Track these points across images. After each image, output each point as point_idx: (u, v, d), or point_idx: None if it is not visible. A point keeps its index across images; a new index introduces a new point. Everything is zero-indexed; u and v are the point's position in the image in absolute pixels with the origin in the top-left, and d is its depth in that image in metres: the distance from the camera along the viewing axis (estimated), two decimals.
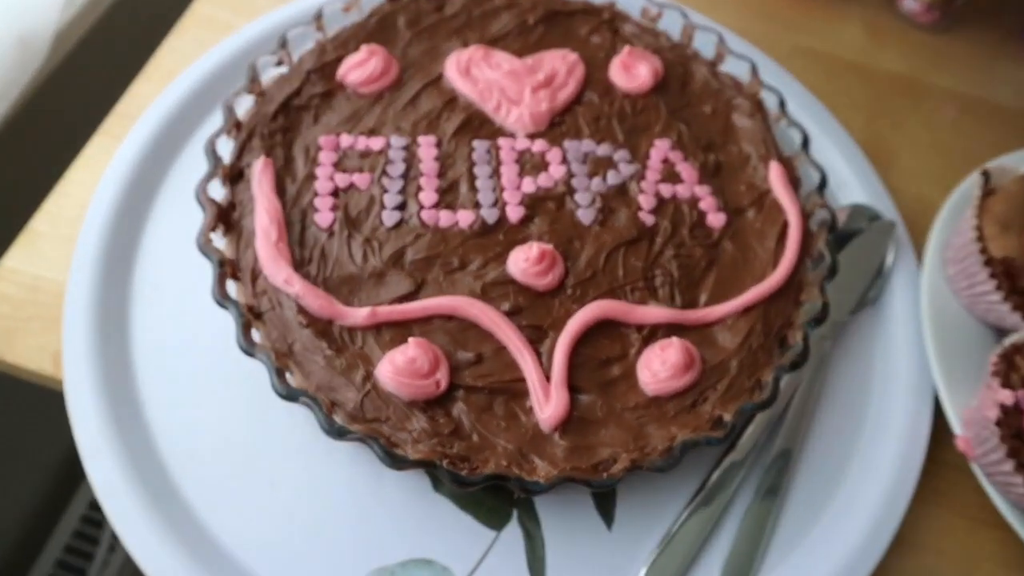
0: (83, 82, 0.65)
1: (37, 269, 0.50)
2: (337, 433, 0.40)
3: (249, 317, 0.43)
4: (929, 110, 0.69)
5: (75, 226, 0.51)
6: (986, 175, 0.54)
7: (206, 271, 0.44)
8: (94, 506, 0.85)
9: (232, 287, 0.44)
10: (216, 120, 0.52)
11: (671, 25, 0.61)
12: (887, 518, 0.47)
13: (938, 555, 0.49)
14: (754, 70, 0.58)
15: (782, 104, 0.56)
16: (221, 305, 0.43)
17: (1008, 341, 0.47)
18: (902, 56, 0.72)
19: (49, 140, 0.61)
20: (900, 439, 0.50)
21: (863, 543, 0.46)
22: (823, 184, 0.53)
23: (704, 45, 0.60)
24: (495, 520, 0.45)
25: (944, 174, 0.63)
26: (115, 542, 0.83)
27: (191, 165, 0.54)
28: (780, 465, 0.48)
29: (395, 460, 0.39)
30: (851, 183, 0.61)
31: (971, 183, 0.55)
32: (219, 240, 0.46)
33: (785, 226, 0.51)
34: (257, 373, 0.42)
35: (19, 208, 0.53)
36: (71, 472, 0.81)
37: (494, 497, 0.45)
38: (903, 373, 0.53)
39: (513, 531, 0.45)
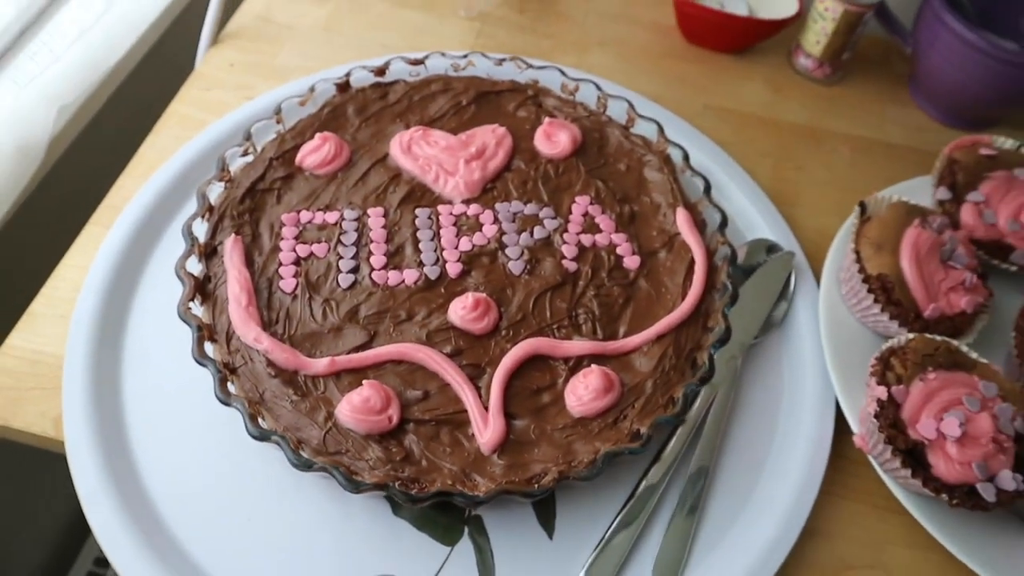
0: (75, 180, 0.73)
1: (36, 345, 0.57)
2: (304, 466, 0.46)
3: (225, 372, 0.50)
4: (828, 152, 0.78)
5: (70, 306, 0.58)
6: (863, 205, 0.62)
7: (187, 336, 0.51)
8: (99, 562, 0.90)
9: (210, 348, 0.51)
10: (192, 206, 0.60)
11: (588, 96, 0.70)
12: (798, 510, 0.53)
13: (848, 541, 0.55)
14: (660, 130, 0.66)
15: (686, 157, 0.65)
16: (200, 363, 0.50)
17: (885, 346, 0.55)
18: (802, 107, 0.82)
19: (46, 233, 0.69)
20: (808, 441, 0.57)
21: (778, 534, 0.52)
22: (724, 224, 0.61)
23: (618, 111, 0.69)
24: (449, 537, 0.51)
25: (842, 207, 0.71)
26: None
27: (171, 246, 0.61)
28: (701, 471, 0.54)
29: (354, 485, 0.46)
30: (757, 221, 0.69)
31: (855, 213, 0.63)
32: (198, 309, 0.53)
33: (692, 263, 0.59)
34: (234, 421, 0.48)
35: (20, 294, 0.60)
36: (77, 529, 0.87)
37: (447, 516, 0.51)
38: (808, 383, 0.60)
39: (465, 546, 0.51)
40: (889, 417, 0.51)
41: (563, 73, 0.70)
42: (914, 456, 0.50)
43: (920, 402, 0.51)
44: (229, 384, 0.50)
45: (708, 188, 0.63)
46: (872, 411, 0.51)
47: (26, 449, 0.56)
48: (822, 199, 0.74)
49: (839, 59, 0.82)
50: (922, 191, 0.69)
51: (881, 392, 0.51)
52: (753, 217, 0.69)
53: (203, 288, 0.54)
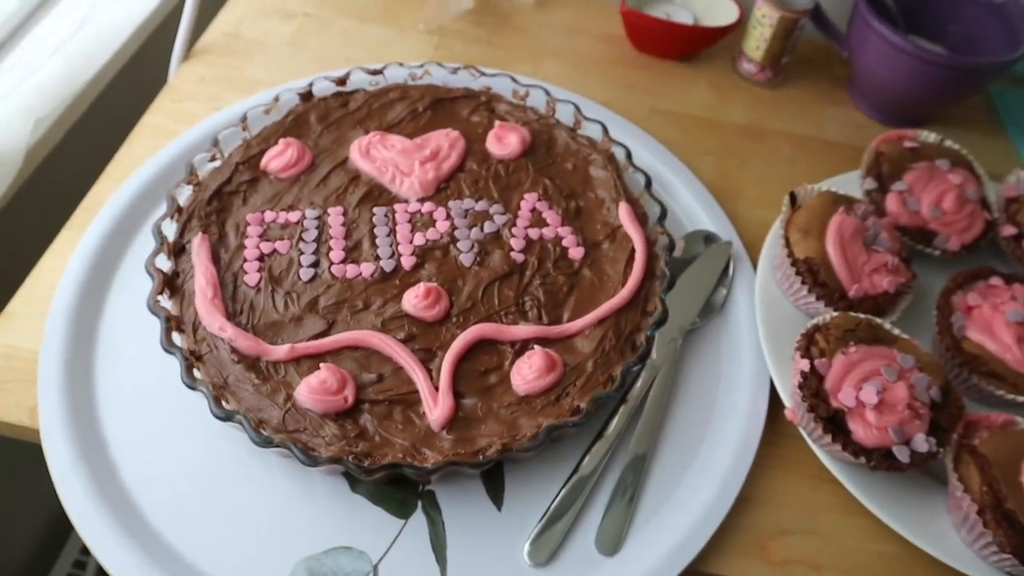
0: (52, 190, 0.77)
1: (14, 341, 0.60)
2: (264, 442, 0.50)
3: (191, 359, 0.53)
4: (769, 149, 0.83)
5: (46, 304, 0.61)
6: (792, 195, 0.66)
7: (157, 328, 0.54)
8: (86, 551, 0.93)
9: (177, 338, 0.55)
10: (163, 209, 0.64)
11: (538, 101, 0.74)
12: (734, 479, 0.57)
13: (783, 508, 0.58)
14: (605, 130, 0.71)
15: (628, 155, 0.69)
16: (168, 351, 0.53)
17: (811, 323, 0.59)
18: (745, 108, 0.86)
19: (23, 239, 0.72)
20: (743, 415, 0.60)
21: (714, 500, 0.56)
22: (663, 216, 0.65)
23: (566, 115, 0.73)
24: (403, 511, 0.54)
25: (779, 201, 0.74)
26: None
27: (143, 246, 0.65)
28: (642, 446, 0.58)
29: (312, 459, 0.49)
30: (700, 215, 0.73)
31: (784, 203, 0.68)
32: (166, 302, 0.57)
33: (632, 252, 0.63)
34: (201, 407, 0.52)
35: None
36: (64, 520, 0.90)
37: (402, 492, 0.55)
38: (745, 363, 0.63)
39: (418, 519, 0.54)
40: (812, 388, 0.54)
41: (514, 80, 0.74)
42: (835, 424, 0.54)
43: (841, 373, 0.55)
44: (195, 370, 0.53)
45: (649, 183, 0.67)
46: (796, 382, 0.55)
47: (13, 444, 0.59)
48: (762, 193, 0.78)
49: (779, 63, 0.87)
50: (853, 184, 0.73)
51: (804, 364, 0.55)
52: (695, 211, 0.74)
53: (172, 283, 0.58)
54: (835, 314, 0.59)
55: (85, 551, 0.94)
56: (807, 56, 0.91)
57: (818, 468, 0.59)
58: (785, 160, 0.82)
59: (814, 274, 0.61)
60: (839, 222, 0.63)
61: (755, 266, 0.70)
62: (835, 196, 0.66)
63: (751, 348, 0.64)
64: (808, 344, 0.57)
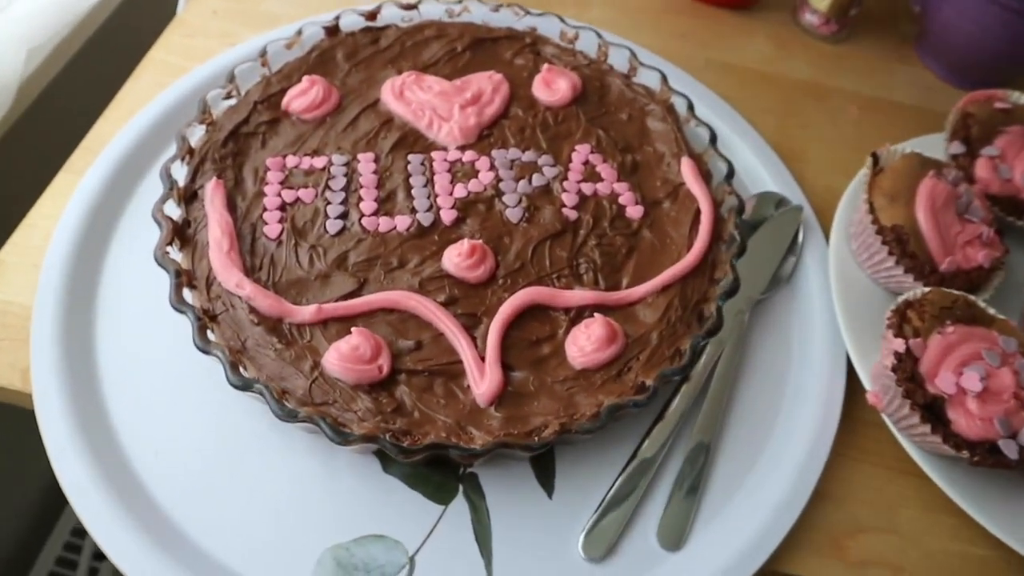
0: (49, 127, 0.69)
1: (5, 295, 0.54)
2: (288, 416, 0.43)
3: (205, 319, 0.47)
4: (833, 110, 0.76)
5: (41, 255, 0.54)
6: (875, 156, 0.60)
7: (164, 284, 0.47)
8: (76, 532, 0.87)
9: (188, 295, 0.48)
10: (172, 150, 0.57)
11: (588, 45, 0.66)
12: (808, 471, 0.51)
13: (861, 504, 0.52)
14: (664, 79, 0.63)
15: (691, 107, 0.62)
16: (178, 310, 0.46)
17: (901, 298, 0.52)
18: (807, 64, 0.79)
19: (16, 180, 0.65)
20: (818, 400, 0.54)
21: (787, 498, 0.50)
22: (731, 174, 0.58)
23: (619, 61, 0.66)
24: (442, 495, 0.48)
25: (849, 165, 0.69)
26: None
27: (149, 192, 0.58)
28: (708, 431, 0.52)
29: (342, 436, 0.43)
30: (763, 176, 0.66)
31: (867, 165, 0.61)
32: (176, 254, 0.50)
33: (698, 213, 0.56)
34: (214, 372, 0.45)
35: None
36: (53, 498, 0.84)
37: (440, 474, 0.49)
38: (818, 341, 0.57)
39: (459, 505, 0.48)
40: (907, 371, 0.48)
41: (562, 20, 0.67)
42: (932, 412, 0.48)
43: (938, 356, 0.48)
44: (209, 332, 0.47)
45: (714, 138, 0.60)
46: (889, 364, 0.49)
47: (2, 409, 0.53)
48: (829, 157, 0.71)
49: (846, 16, 0.79)
50: (933, 148, 0.66)
51: (899, 344, 0.48)
52: (759, 172, 0.67)
53: (182, 233, 0.51)
54: (926, 289, 0.53)
55: (79, 532, 0.87)
56: (871, 10, 0.84)
57: (898, 459, 0.53)
58: (851, 122, 0.75)
59: (903, 244, 0.55)
60: (930, 187, 0.56)
61: (825, 234, 0.63)
62: (922, 159, 0.59)
63: (824, 323, 0.58)
64: (900, 322, 0.51)
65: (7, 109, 0.62)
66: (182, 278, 0.48)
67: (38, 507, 0.82)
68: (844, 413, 0.54)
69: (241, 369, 0.45)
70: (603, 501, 0.48)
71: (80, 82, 0.72)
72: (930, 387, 0.48)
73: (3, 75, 0.61)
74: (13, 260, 0.56)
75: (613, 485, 0.49)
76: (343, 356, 0.45)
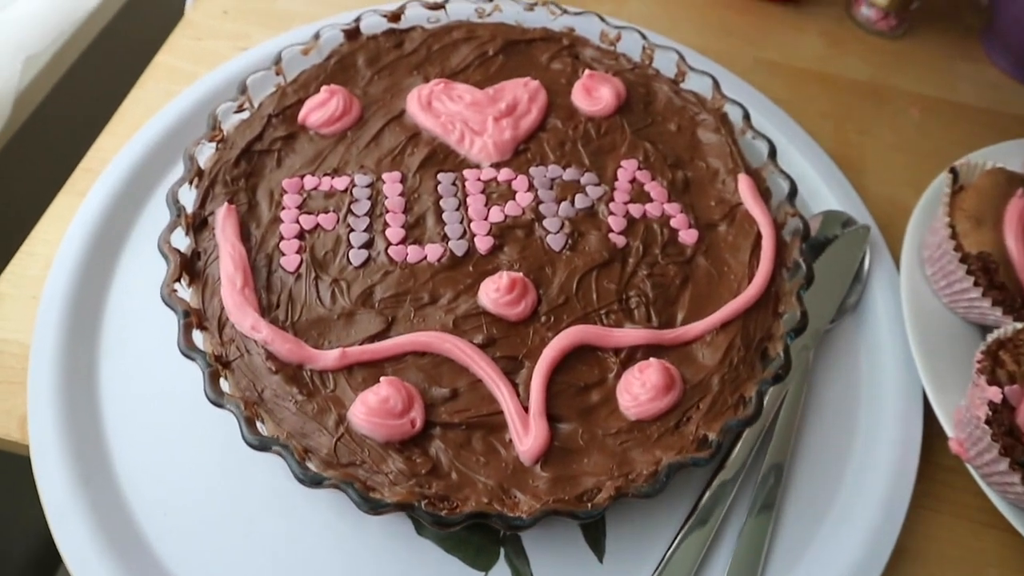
0: (48, 141, 0.65)
1: (2, 332, 0.49)
2: (311, 481, 0.38)
3: (217, 367, 0.42)
4: (893, 113, 0.70)
5: (40, 285, 0.50)
6: (954, 172, 0.54)
7: (175, 322, 0.43)
8: None
9: (199, 338, 0.43)
10: (180, 170, 0.52)
11: (631, 47, 0.61)
12: (886, 527, 0.46)
13: (942, 561, 0.47)
14: (716, 85, 0.58)
15: (747, 116, 0.56)
16: (187, 356, 0.42)
17: (991, 337, 0.47)
18: (863, 62, 0.73)
19: (14, 201, 0.61)
20: (893, 444, 0.49)
21: (864, 554, 0.45)
22: (793, 193, 0.53)
23: (665, 64, 0.60)
24: (482, 561, 0.43)
25: (913, 174, 0.63)
26: None
27: (156, 216, 0.53)
28: (772, 480, 0.47)
29: (372, 505, 0.38)
30: (822, 190, 0.61)
31: (941, 182, 0.55)
32: (185, 291, 0.45)
33: (758, 238, 0.51)
34: (229, 422, 0.40)
35: None
36: (46, 558, 0.79)
37: (480, 536, 0.44)
38: (890, 377, 0.52)
39: (501, 571, 0.43)
40: (1004, 423, 0.43)
41: (603, 20, 0.61)
42: None
43: None
44: (222, 381, 0.42)
45: (773, 152, 0.55)
46: (982, 415, 0.43)
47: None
48: (891, 165, 0.66)
49: (907, 9, 0.73)
50: (1014, 158, 0.60)
51: (994, 394, 0.43)
52: (817, 186, 0.61)
53: (191, 266, 0.46)
54: (1019, 326, 0.47)
55: None
56: (931, 2, 0.77)
57: (982, 510, 0.48)
58: (912, 126, 0.69)
59: (990, 274, 0.49)
60: (1021, 209, 0.50)
61: (895, 256, 0.57)
62: (1008, 175, 0.53)
63: (896, 359, 0.52)
64: (993, 365, 0.45)
65: (4, 121, 0.57)
66: (191, 319, 0.43)
67: (31, 562, 0.77)
68: (920, 458, 0.49)
69: (259, 424, 0.41)
70: (660, 565, 0.44)
71: (82, 91, 0.67)
72: None
73: None
74: (10, 291, 0.51)
75: (671, 547, 0.44)
76: (372, 410, 0.40)
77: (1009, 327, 0.47)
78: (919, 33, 0.76)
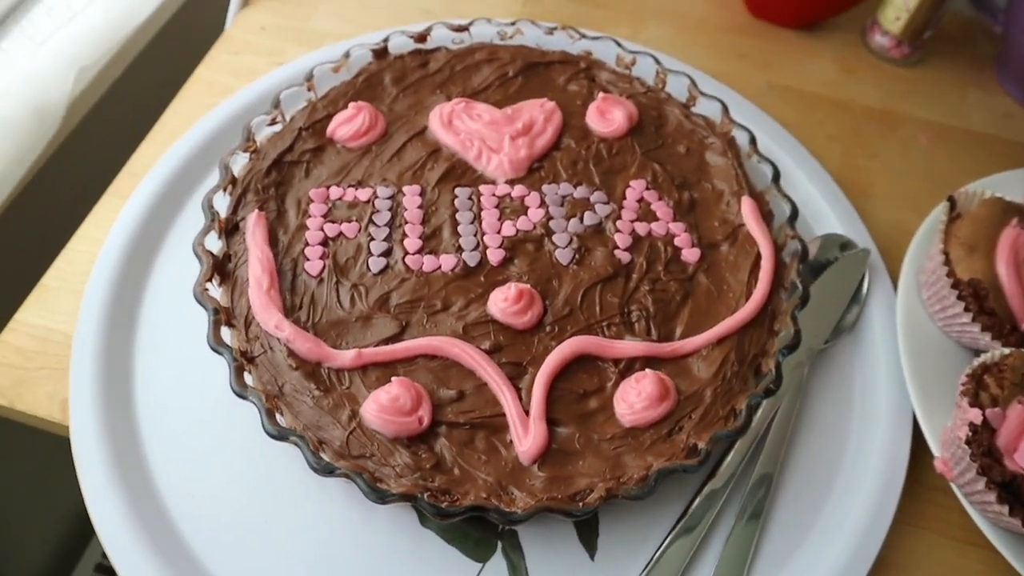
0: (96, 146, 0.69)
1: (48, 322, 0.53)
2: (324, 470, 0.42)
3: (242, 361, 0.46)
4: (903, 139, 0.71)
5: (83, 281, 0.54)
6: (952, 201, 0.56)
7: (205, 319, 0.46)
8: (100, 568, 0.87)
9: (227, 334, 0.47)
10: (216, 177, 0.56)
11: (645, 71, 0.63)
12: (869, 540, 0.48)
13: None
14: (725, 109, 0.60)
15: (753, 141, 0.59)
16: (215, 351, 0.45)
17: (977, 361, 0.48)
18: (875, 89, 0.75)
19: (64, 201, 0.65)
20: (881, 461, 0.51)
21: (845, 566, 0.47)
22: (794, 216, 0.55)
23: (677, 88, 0.63)
24: (480, 552, 0.46)
25: (919, 200, 0.65)
26: None
27: (192, 220, 0.57)
28: (761, 490, 0.49)
29: (379, 494, 0.41)
30: (826, 214, 0.63)
31: (940, 210, 0.57)
32: (215, 290, 0.49)
33: (758, 258, 0.53)
34: (252, 414, 0.44)
35: (34, 266, 0.56)
36: (80, 531, 0.83)
37: (479, 530, 0.47)
38: (883, 397, 0.54)
39: (498, 563, 0.46)
40: (983, 444, 0.45)
41: (619, 45, 0.64)
42: (1011, 491, 0.44)
43: (1018, 428, 0.45)
44: (246, 375, 0.45)
45: (777, 176, 0.57)
46: (963, 436, 0.45)
47: (31, 433, 0.52)
48: (897, 191, 0.67)
49: (920, 38, 0.75)
50: (1015, 186, 0.62)
51: (975, 415, 0.45)
52: (821, 208, 0.63)
53: (222, 268, 0.50)
54: (1006, 351, 0.49)
55: (107, 569, 0.87)
56: (946, 31, 0.79)
57: (965, 529, 0.50)
58: (921, 152, 0.71)
59: (980, 300, 0.51)
60: (1013, 238, 0.52)
61: (893, 279, 0.59)
62: (1005, 204, 0.55)
63: (889, 380, 0.54)
64: (976, 388, 0.47)
65: (56, 130, 0.61)
66: (220, 316, 0.47)
67: (66, 536, 0.82)
68: (907, 476, 0.51)
69: (278, 416, 0.44)
70: (649, 564, 0.46)
71: (128, 100, 0.72)
72: (1009, 463, 0.44)
73: (53, 96, 0.61)
74: (56, 285, 0.55)
75: (660, 547, 0.47)
76: (383, 408, 0.43)
77: (996, 352, 0.49)
78: (932, 61, 0.78)
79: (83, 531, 0.86)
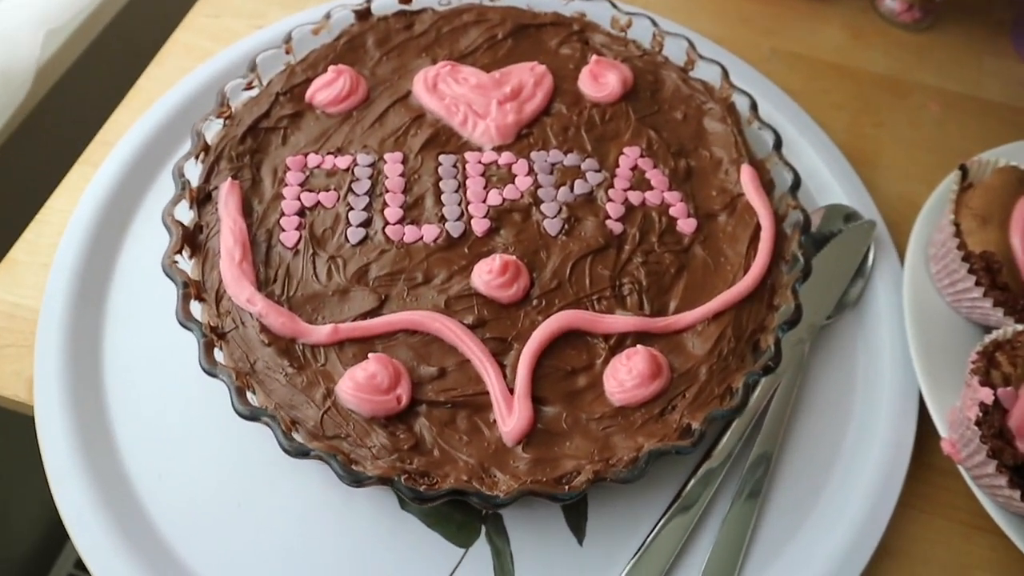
0: (67, 113, 0.67)
1: (16, 297, 0.51)
2: (296, 452, 0.40)
3: (211, 337, 0.43)
4: (913, 108, 0.68)
5: (52, 253, 0.52)
6: (964, 170, 0.53)
7: (175, 294, 0.44)
8: (80, 565, 0.85)
9: (197, 308, 0.45)
10: (189, 146, 0.53)
11: (642, 33, 0.60)
12: (872, 524, 0.46)
13: (927, 563, 0.47)
14: (725, 73, 0.57)
15: (754, 106, 0.56)
16: (184, 326, 0.43)
17: (989, 338, 0.46)
18: (884, 55, 0.72)
19: (33, 171, 0.63)
20: (885, 442, 0.49)
21: (847, 550, 0.45)
22: (796, 185, 0.52)
23: (675, 52, 0.59)
24: (463, 537, 0.44)
25: (929, 172, 0.62)
26: None
27: (166, 190, 0.54)
28: (759, 470, 0.47)
29: (354, 477, 0.39)
30: (830, 184, 0.60)
31: (951, 179, 0.54)
32: (185, 263, 0.47)
33: (757, 229, 0.50)
34: (225, 394, 0.42)
35: (1, 238, 0.54)
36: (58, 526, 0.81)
37: (462, 513, 0.45)
38: (887, 375, 0.51)
39: (482, 548, 0.44)
40: (994, 425, 0.42)
41: (614, 6, 0.61)
42: (1022, 474, 0.42)
43: None
44: (216, 351, 0.43)
45: (779, 143, 0.54)
46: (972, 416, 0.43)
47: (10, 416, 0.50)
48: (906, 161, 0.65)
49: (932, 1, 0.71)
50: None
51: (986, 395, 0.42)
52: (826, 179, 0.60)
53: (193, 239, 0.47)
54: (1020, 328, 0.46)
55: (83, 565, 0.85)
56: None
57: (973, 513, 0.48)
58: (933, 121, 0.68)
59: (992, 274, 0.48)
60: None
61: (900, 253, 0.56)
62: (1021, 174, 0.52)
63: (895, 356, 0.52)
64: (988, 366, 0.44)
65: (25, 95, 0.59)
66: (190, 290, 0.45)
67: (41, 533, 0.79)
68: (912, 458, 0.49)
69: (249, 395, 0.42)
70: (640, 549, 0.44)
71: (101, 65, 0.69)
72: (1021, 445, 0.42)
73: (20, 59, 0.58)
74: (24, 258, 0.53)
75: (652, 532, 0.44)
76: (359, 386, 0.41)
77: (1008, 329, 0.46)
78: (945, 27, 0.74)
79: (59, 529, 0.85)
